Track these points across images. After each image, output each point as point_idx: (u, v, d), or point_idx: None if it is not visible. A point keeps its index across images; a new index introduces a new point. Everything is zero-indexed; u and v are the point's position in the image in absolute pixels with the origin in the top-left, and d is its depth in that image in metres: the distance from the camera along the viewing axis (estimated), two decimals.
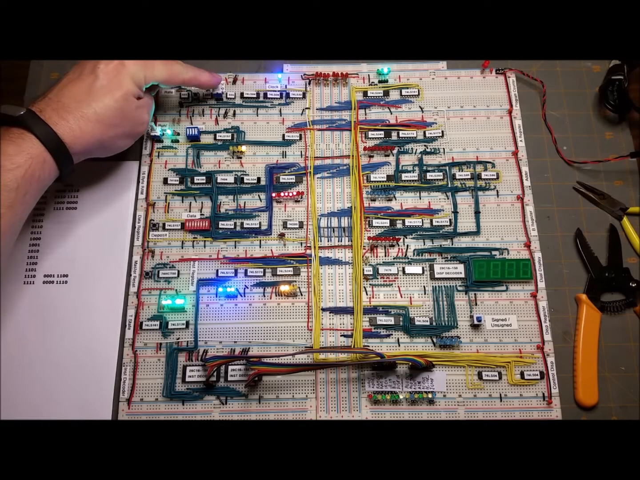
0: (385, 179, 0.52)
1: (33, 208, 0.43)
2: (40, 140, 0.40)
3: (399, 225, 0.50)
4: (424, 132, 0.53)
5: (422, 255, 0.49)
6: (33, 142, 0.40)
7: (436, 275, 0.48)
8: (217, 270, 0.49)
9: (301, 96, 0.55)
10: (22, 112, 0.41)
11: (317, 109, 0.54)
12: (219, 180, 0.52)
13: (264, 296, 0.48)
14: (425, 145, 0.53)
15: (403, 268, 0.49)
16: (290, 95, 0.55)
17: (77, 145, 0.42)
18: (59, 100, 0.42)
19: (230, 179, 0.52)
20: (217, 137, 0.53)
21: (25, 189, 0.40)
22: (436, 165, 0.52)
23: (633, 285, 0.48)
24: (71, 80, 0.44)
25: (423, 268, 0.49)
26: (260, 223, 0.50)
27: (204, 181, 0.52)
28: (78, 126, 0.42)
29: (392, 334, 0.47)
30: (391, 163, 0.52)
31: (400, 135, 0.53)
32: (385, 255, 0.49)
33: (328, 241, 0.50)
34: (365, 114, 0.54)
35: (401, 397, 0.44)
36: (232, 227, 0.50)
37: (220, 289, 0.48)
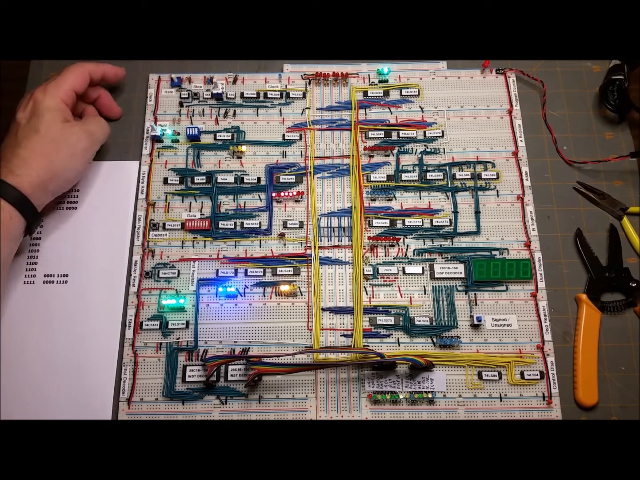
0: (385, 179, 0.52)
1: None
2: (2, 197, 0.42)
3: (399, 225, 0.50)
4: (424, 132, 0.53)
5: (422, 255, 0.49)
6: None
7: (436, 275, 0.48)
8: (217, 270, 0.49)
9: (301, 96, 0.55)
10: None
11: (317, 109, 0.54)
12: (219, 180, 0.52)
13: (264, 296, 0.48)
14: (425, 145, 0.53)
15: (403, 268, 0.49)
16: (290, 95, 0.55)
17: (26, 186, 0.43)
18: (2, 158, 0.44)
19: (230, 178, 0.52)
20: (217, 137, 0.53)
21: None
22: (436, 165, 0.52)
23: (633, 285, 0.48)
24: (4, 141, 0.46)
25: (423, 268, 0.49)
26: (260, 223, 0.50)
27: (204, 181, 0.52)
28: (21, 170, 0.43)
29: (392, 334, 0.47)
30: (391, 163, 0.52)
31: (401, 135, 0.53)
32: (385, 255, 0.49)
33: (328, 241, 0.50)
34: (366, 114, 0.54)
35: (401, 397, 0.44)
36: (232, 227, 0.50)
37: (220, 289, 0.48)
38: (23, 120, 0.46)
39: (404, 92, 0.55)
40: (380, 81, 0.55)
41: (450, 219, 0.50)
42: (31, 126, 0.45)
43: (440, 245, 0.49)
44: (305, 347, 0.46)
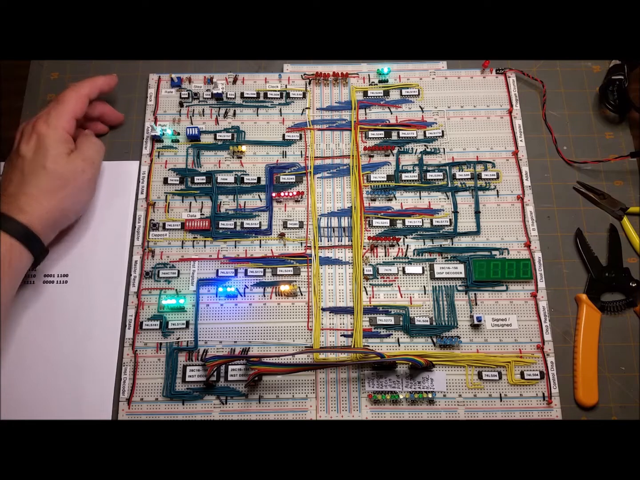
0: (385, 179, 0.52)
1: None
2: (9, 233, 0.41)
3: (399, 225, 0.50)
4: (424, 132, 0.53)
5: (422, 255, 0.49)
6: (2, 237, 0.41)
7: (436, 275, 0.48)
8: (217, 270, 0.49)
9: (301, 96, 0.55)
10: None
11: (317, 109, 0.54)
12: (219, 180, 0.52)
13: (264, 296, 0.48)
14: (425, 145, 0.53)
15: (403, 268, 0.49)
16: (290, 95, 0.55)
17: (35, 224, 0.43)
18: (5, 195, 0.43)
19: (230, 178, 0.52)
20: (217, 137, 0.53)
21: (4, 282, 0.41)
22: (436, 165, 0.52)
23: (633, 285, 0.48)
24: (8, 172, 0.45)
25: (423, 268, 0.49)
26: (260, 223, 0.50)
27: (204, 181, 0.52)
28: (29, 207, 0.42)
29: (392, 334, 0.47)
30: (391, 163, 0.52)
31: (401, 135, 0.53)
32: (385, 255, 0.49)
33: (328, 241, 0.50)
34: (366, 114, 0.54)
35: (401, 397, 0.44)
36: (232, 227, 0.50)
37: (220, 289, 0.48)
38: (28, 154, 0.44)
39: (404, 92, 0.55)
40: (380, 81, 0.55)
41: (450, 219, 0.50)
42: (38, 162, 0.44)
43: (440, 245, 0.49)
44: (305, 347, 0.46)
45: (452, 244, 0.49)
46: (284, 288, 0.47)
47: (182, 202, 0.51)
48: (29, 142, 0.45)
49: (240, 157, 0.53)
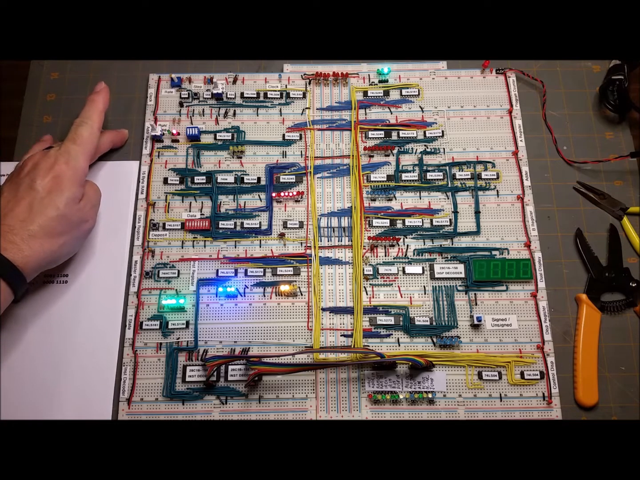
0: (385, 179, 0.52)
1: None
2: (2, 276, 0.39)
3: (399, 225, 0.50)
4: (424, 132, 0.53)
5: (422, 255, 0.49)
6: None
7: (436, 275, 0.48)
8: (217, 270, 0.49)
9: (301, 96, 0.55)
10: None
11: (317, 109, 0.54)
12: (219, 180, 0.52)
13: (264, 296, 0.48)
14: (425, 145, 0.53)
15: (403, 268, 0.49)
16: (290, 95, 0.55)
17: (28, 266, 0.40)
18: (4, 223, 0.40)
19: (230, 178, 0.52)
20: (217, 137, 0.53)
21: None
22: (436, 165, 0.52)
23: (633, 285, 0.48)
24: (9, 200, 0.42)
25: (423, 268, 0.49)
26: (260, 223, 0.50)
27: (204, 181, 0.52)
28: (27, 246, 0.40)
29: (392, 334, 0.47)
30: (391, 163, 0.52)
31: (401, 135, 0.53)
32: (385, 255, 0.49)
33: (328, 241, 0.50)
34: (366, 114, 0.54)
35: (401, 397, 0.44)
36: (232, 227, 0.50)
37: (220, 289, 0.48)
38: (42, 191, 0.42)
39: (404, 92, 0.55)
40: (380, 81, 0.55)
41: (450, 219, 0.50)
42: (51, 202, 0.42)
43: (440, 245, 0.49)
44: (305, 347, 0.46)
45: (452, 244, 0.49)
46: (284, 288, 0.47)
47: (182, 202, 0.51)
48: (45, 178, 0.42)
49: (240, 157, 0.53)
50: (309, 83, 0.55)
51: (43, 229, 0.41)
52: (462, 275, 0.48)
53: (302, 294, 0.48)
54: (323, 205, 0.51)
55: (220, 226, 0.50)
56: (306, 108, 0.54)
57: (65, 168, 0.43)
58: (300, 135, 0.53)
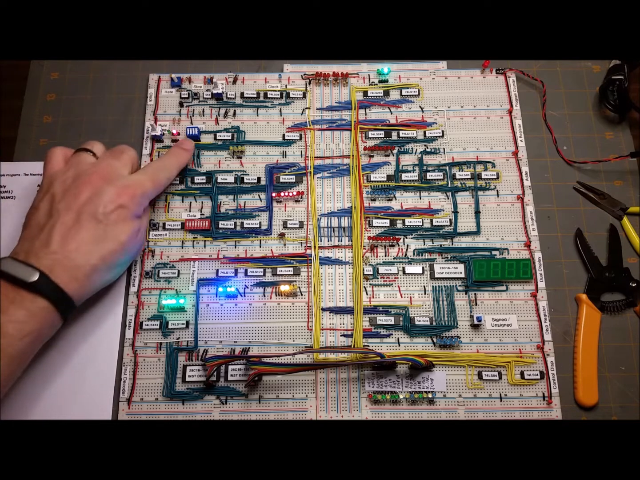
0: (385, 179, 0.52)
1: None
2: (53, 305, 0.38)
3: (399, 225, 0.50)
4: (424, 132, 0.53)
5: (422, 255, 0.49)
6: (44, 306, 0.38)
7: (436, 275, 0.48)
8: (217, 270, 0.49)
9: (301, 96, 0.55)
10: (35, 278, 0.37)
11: (317, 109, 0.54)
12: (219, 180, 0.52)
13: (264, 296, 0.48)
14: (425, 145, 0.53)
15: (403, 268, 0.49)
16: (290, 95, 0.55)
17: (84, 297, 0.41)
18: (65, 255, 0.39)
19: (230, 178, 0.52)
20: (217, 137, 0.53)
21: (29, 353, 0.39)
22: (436, 165, 0.52)
23: (633, 285, 0.48)
24: (69, 227, 0.40)
25: (423, 268, 0.49)
26: (260, 223, 0.50)
27: (204, 181, 0.52)
28: (89, 280, 0.40)
29: (392, 334, 0.47)
30: (391, 163, 0.52)
31: (401, 135, 0.53)
32: (385, 255, 0.49)
33: (328, 241, 0.50)
34: (366, 114, 0.54)
35: (401, 397, 0.44)
36: (232, 227, 0.50)
37: (220, 289, 0.48)
38: (106, 221, 0.41)
39: (404, 92, 0.55)
40: (380, 81, 0.55)
41: (450, 219, 0.50)
42: (115, 236, 0.41)
43: (440, 245, 0.49)
44: (305, 347, 0.46)
45: (452, 244, 0.49)
46: (284, 288, 0.47)
47: (182, 202, 0.51)
48: (107, 208, 0.41)
49: (240, 157, 0.53)
50: (309, 83, 0.55)
51: (105, 261, 0.41)
52: (462, 275, 0.48)
53: (302, 294, 0.48)
54: (323, 205, 0.51)
55: (220, 226, 0.50)
56: (306, 108, 0.54)
57: (131, 202, 0.43)
58: (300, 135, 0.53)
